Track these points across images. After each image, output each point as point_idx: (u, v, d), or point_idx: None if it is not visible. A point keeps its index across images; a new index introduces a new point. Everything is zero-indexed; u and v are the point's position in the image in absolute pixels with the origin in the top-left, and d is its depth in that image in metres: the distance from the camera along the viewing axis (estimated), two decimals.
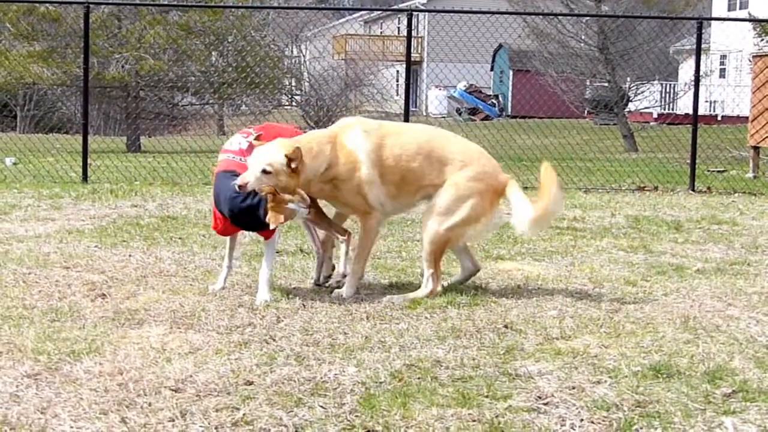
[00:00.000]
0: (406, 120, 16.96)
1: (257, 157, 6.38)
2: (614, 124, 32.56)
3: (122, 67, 31.69)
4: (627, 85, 33.42)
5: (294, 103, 46.21)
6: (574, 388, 4.75)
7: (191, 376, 4.82)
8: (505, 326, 5.94)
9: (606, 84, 33.40)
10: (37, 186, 14.68)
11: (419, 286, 6.98)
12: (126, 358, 5.15)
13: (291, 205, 6.30)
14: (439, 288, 6.85)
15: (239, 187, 6.27)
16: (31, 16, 32.87)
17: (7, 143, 22.70)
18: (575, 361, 5.21)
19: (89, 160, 16.13)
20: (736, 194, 15.19)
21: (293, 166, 6.35)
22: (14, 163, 19.26)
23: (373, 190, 6.77)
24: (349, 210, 6.98)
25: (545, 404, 4.51)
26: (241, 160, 6.60)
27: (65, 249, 8.55)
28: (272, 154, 6.35)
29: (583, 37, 33.52)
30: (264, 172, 6.29)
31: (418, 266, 7.91)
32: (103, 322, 5.95)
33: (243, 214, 6.36)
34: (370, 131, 6.81)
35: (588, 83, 36.68)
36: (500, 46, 47.14)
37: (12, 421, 4.15)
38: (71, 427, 4.10)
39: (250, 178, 6.29)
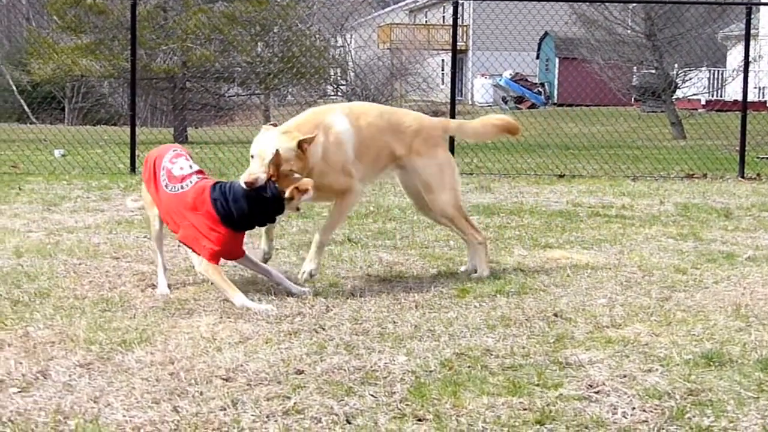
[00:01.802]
0: (453, 110, 16.92)
1: (265, 147, 6.28)
2: (662, 112, 32.33)
3: (169, 58, 31.84)
4: (674, 72, 33.19)
5: (339, 93, 46.27)
6: (625, 376, 4.72)
7: (242, 365, 4.83)
8: (555, 315, 5.91)
9: (653, 71, 33.20)
10: (86, 177, 14.80)
11: (469, 277, 7.01)
12: (177, 347, 5.17)
13: (305, 197, 6.29)
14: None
15: (247, 183, 6.19)
16: (78, 7, 33.05)
17: (56, 135, 22.87)
18: (626, 350, 5.18)
19: (137, 152, 16.23)
20: None
21: (305, 147, 6.34)
22: (63, 155, 19.42)
23: (357, 169, 6.82)
24: (332, 192, 6.87)
25: (596, 393, 4.48)
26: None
27: (115, 240, 8.61)
28: (281, 141, 6.28)
29: (630, 23, 33.32)
30: (270, 161, 6.22)
31: (466, 255, 7.90)
32: (153, 312, 5.98)
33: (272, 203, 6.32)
34: (348, 114, 6.88)
35: (635, 70, 36.45)
36: (546, 33, 46.98)
37: (66, 410, 4.18)
38: (124, 416, 4.12)
39: (258, 171, 6.21)
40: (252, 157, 6.32)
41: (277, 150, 6.13)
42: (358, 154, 6.83)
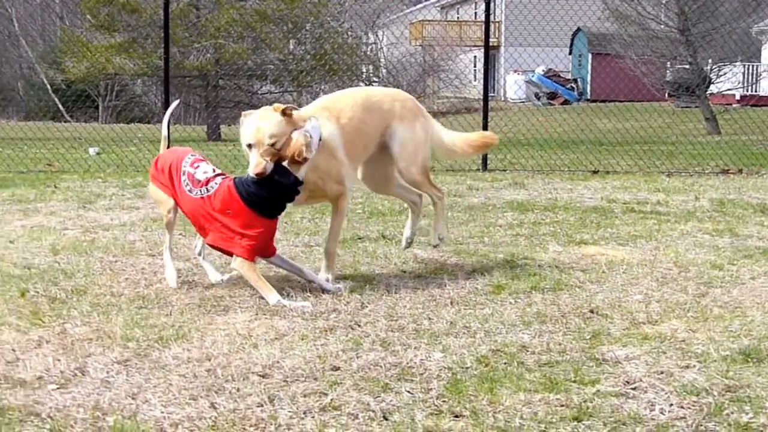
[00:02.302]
0: (486, 106, 16.88)
1: (255, 137, 6.25)
2: (696, 107, 32.14)
3: (202, 56, 31.94)
4: (708, 67, 32.94)
5: None
6: (662, 372, 4.70)
7: (278, 361, 4.85)
8: (591, 311, 5.89)
9: (687, 66, 32.99)
10: (120, 175, 14.87)
11: (504, 273, 7.01)
12: (213, 344, 5.19)
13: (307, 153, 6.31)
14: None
15: (257, 174, 6.19)
16: (111, 6, 33.22)
17: (91, 133, 23.00)
18: (663, 346, 5.16)
19: None
20: None
21: (288, 112, 6.33)
22: (98, 153, 19.52)
23: (346, 171, 6.81)
24: (325, 198, 6.89)
25: (633, 389, 4.47)
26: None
27: (150, 237, 8.65)
28: (268, 119, 6.29)
29: (663, 18, 33.13)
30: (270, 144, 6.23)
31: (501, 251, 7.90)
32: (189, 308, 6.01)
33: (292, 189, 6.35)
34: (329, 116, 6.79)
35: (669, 66, 36.25)
36: (579, 29, 46.74)
37: (104, 407, 4.21)
38: (161, 413, 4.14)
39: (261, 159, 6.20)
40: (249, 147, 6.29)
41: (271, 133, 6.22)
42: (349, 153, 6.81)
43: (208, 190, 6.40)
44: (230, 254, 6.39)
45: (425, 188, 7.43)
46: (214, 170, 6.60)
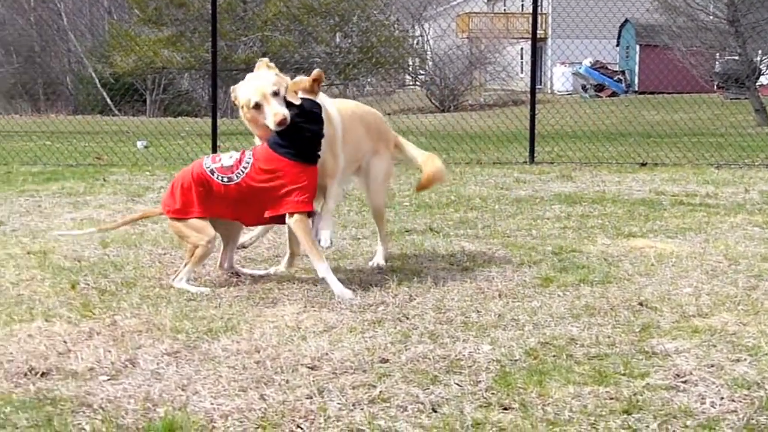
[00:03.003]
0: (533, 99, 16.82)
1: (259, 92, 6.22)
2: (745, 98, 31.86)
3: (249, 48, 32.03)
4: (758, 58, 32.64)
5: (417, 83, 46.28)
6: (713, 366, 4.67)
7: (327, 353, 4.86)
8: (640, 304, 5.86)
9: (736, 57, 32.69)
10: (168, 168, 14.96)
11: (552, 266, 6.99)
12: (262, 336, 5.21)
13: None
14: None
15: (279, 124, 6.15)
16: (158, 0, 33.40)
17: (138, 127, 23.16)
18: (713, 339, 5.12)
19: (218, 142, 16.37)
20: None
21: (270, 65, 6.35)
22: (146, 146, 19.66)
23: (340, 153, 6.67)
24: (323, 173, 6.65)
25: (684, 382, 4.44)
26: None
27: None
28: (264, 76, 6.28)
29: (712, 9, 32.84)
30: (275, 94, 6.20)
31: (549, 244, 7.87)
32: (237, 301, 6.04)
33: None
34: (332, 101, 6.79)
35: (718, 57, 35.95)
36: (626, 20, 46.47)
37: (154, 398, 4.24)
38: (211, 404, 4.16)
39: (278, 109, 6.18)
40: (258, 106, 6.24)
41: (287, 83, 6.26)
42: (344, 141, 6.69)
43: (245, 168, 6.31)
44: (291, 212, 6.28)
45: (383, 220, 7.30)
46: (235, 152, 6.51)
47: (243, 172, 6.32)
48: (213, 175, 6.36)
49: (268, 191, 6.27)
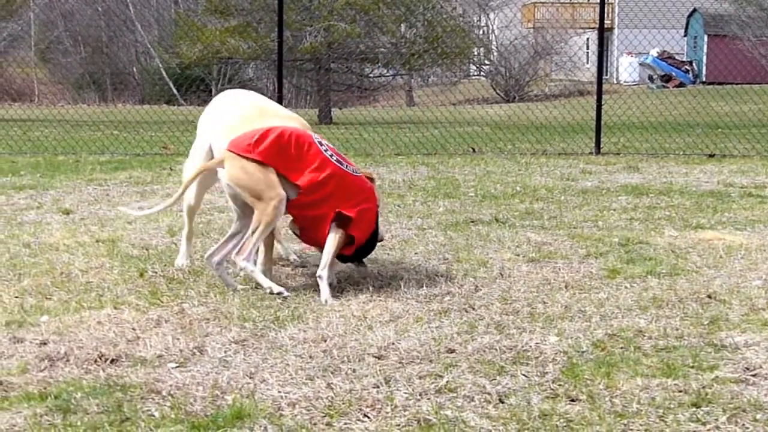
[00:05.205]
0: (599, 89, 16.68)
1: None
2: None
3: (314, 38, 32.09)
4: None
5: (482, 74, 46.12)
6: None
7: (393, 343, 4.87)
8: (709, 296, 5.81)
9: None
10: None
11: (619, 257, 6.97)
12: (328, 325, 5.23)
13: None
14: None
15: None
16: None
17: None
18: None
19: None
20: None
21: None
22: None
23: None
24: None
25: (753, 376, 4.40)
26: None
27: None
28: None
29: None
30: None
31: (615, 235, 7.81)
32: (304, 290, 6.07)
33: None
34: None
35: None
36: (694, 10, 45.95)
37: (223, 386, 4.27)
38: (279, 392, 4.19)
39: None
40: None
41: None
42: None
43: (354, 171, 6.12)
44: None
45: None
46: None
47: (357, 171, 6.14)
48: (323, 148, 6.02)
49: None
